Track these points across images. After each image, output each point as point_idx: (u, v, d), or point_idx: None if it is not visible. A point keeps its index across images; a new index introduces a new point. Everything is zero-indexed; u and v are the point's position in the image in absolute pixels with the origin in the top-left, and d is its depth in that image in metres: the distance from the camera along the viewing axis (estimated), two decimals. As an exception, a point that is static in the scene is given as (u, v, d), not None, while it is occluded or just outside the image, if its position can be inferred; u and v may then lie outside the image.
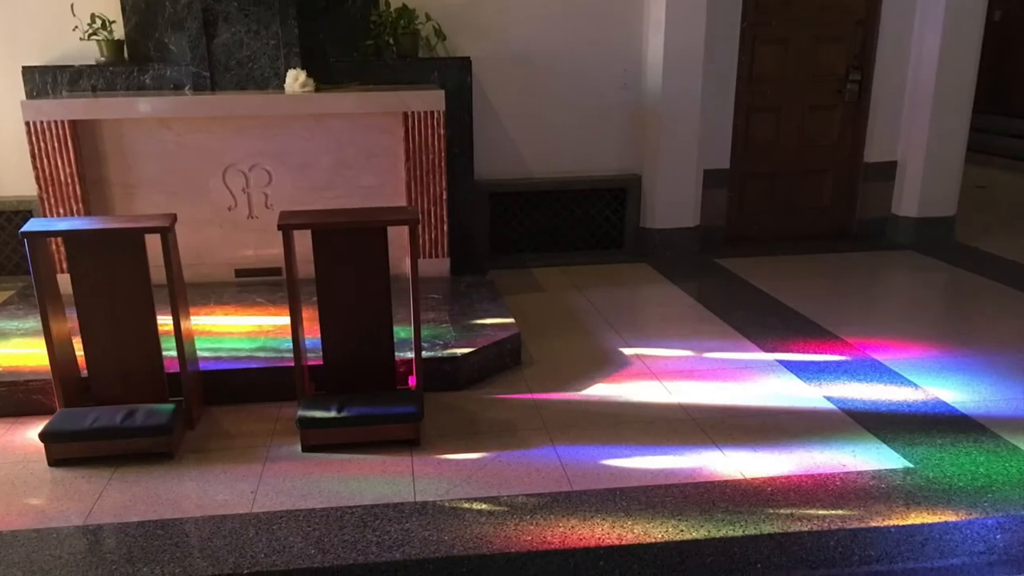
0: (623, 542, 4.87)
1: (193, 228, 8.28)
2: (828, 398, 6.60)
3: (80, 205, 8.20)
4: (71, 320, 6.16)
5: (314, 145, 8.52)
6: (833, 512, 5.11)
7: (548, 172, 10.40)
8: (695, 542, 4.90)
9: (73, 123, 8.08)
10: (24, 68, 8.81)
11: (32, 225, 5.93)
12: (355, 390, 6.30)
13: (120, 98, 8.30)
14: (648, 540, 4.89)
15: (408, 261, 6.19)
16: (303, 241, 6.09)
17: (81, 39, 8.91)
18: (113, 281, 6.01)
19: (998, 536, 5.09)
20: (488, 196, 10.24)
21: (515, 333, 7.33)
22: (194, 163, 8.45)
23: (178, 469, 5.73)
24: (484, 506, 5.21)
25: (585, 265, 10.28)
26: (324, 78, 8.98)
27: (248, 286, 8.53)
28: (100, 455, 5.79)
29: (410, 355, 6.46)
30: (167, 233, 5.95)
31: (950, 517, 5.08)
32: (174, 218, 6.11)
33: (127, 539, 4.94)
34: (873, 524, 5.02)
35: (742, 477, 5.52)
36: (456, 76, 9.28)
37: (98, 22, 8.86)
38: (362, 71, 9.22)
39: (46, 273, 5.99)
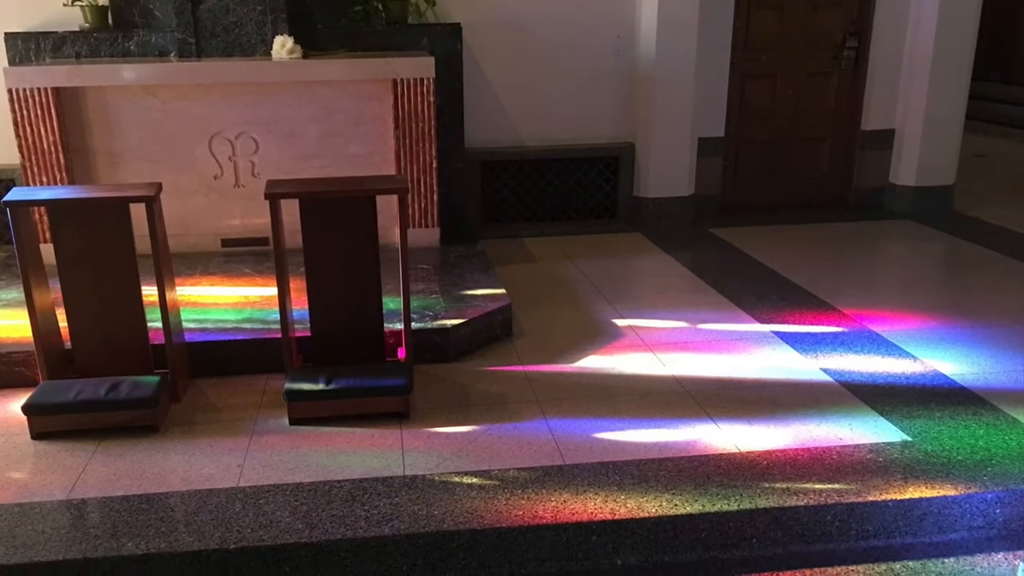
0: (616, 516, 4.86)
1: (179, 197, 8.24)
2: (825, 370, 6.59)
3: (64, 174, 8.16)
4: (54, 291, 6.13)
5: (302, 113, 8.47)
6: (830, 486, 5.10)
7: (540, 140, 10.36)
8: (689, 516, 4.89)
9: (56, 90, 8.02)
10: (6, 35, 8.72)
11: (14, 194, 5.89)
12: (343, 362, 6.27)
13: (104, 65, 8.25)
14: (641, 514, 4.87)
15: (397, 231, 6.15)
16: (291, 210, 6.06)
17: (65, 4, 8.81)
18: (97, 251, 5.97)
19: (997, 510, 5.08)
20: (479, 165, 10.20)
21: (506, 304, 7.30)
22: (180, 131, 8.41)
23: (163, 442, 5.70)
24: (475, 480, 5.19)
25: (577, 235, 10.25)
26: (311, 45, 8.91)
27: (235, 256, 8.50)
28: (84, 428, 5.76)
29: (399, 326, 6.43)
30: (152, 202, 5.91)
31: (949, 491, 5.07)
32: (159, 187, 6.07)
33: (111, 513, 4.91)
34: (871, 498, 5.01)
35: (737, 450, 5.50)
36: (446, 43, 9.21)
37: (82, -13, 8.80)
38: (350, 37, 9.15)
39: (29, 243, 5.96)
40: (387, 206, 6.61)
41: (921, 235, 10.23)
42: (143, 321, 6.13)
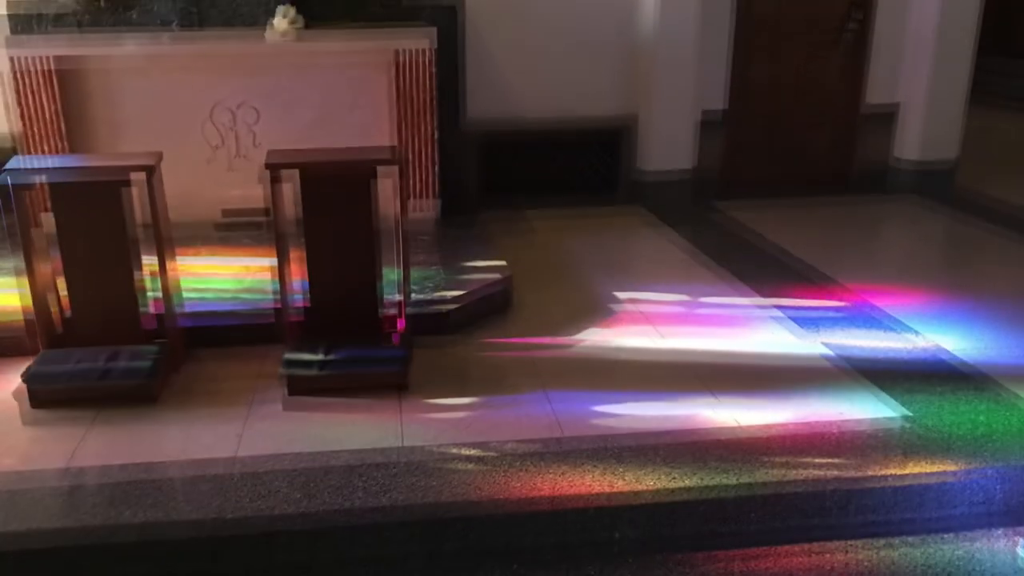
0: (614, 490, 4.86)
1: (179, 168, 8.11)
2: (826, 346, 6.57)
3: (64, 144, 8.12)
4: (54, 260, 6.11)
5: (302, 84, 8.44)
6: (830, 462, 5.10)
7: (541, 114, 10.30)
8: (688, 491, 4.89)
9: (57, 59, 7.98)
10: (8, 2, 8.68)
11: (14, 163, 5.90)
12: (342, 334, 6.25)
13: (106, 35, 8.23)
14: (640, 489, 4.87)
15: (397, 203, 6.13)
16: (291, 182, 6.03)
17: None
18: (97, 221, 5.95)
19: (997, 487, 5.07)
20: (479, 138, 10.15)
21: (506, 277, 7.29)
22: (180, 101, 8.36)
23: (162, 412, 5.70)
24: (473, 453, 5.19)
25: (578, 208, 10.20)
26: (314, 15, 8.86)
27: (234, 227, 8.45)
28: (83, 397, 5.74)
29: (398, 298, 6.42)
30: (152, 172, 5.92)
31: (949, 467, 5.06)
32: (160, 157, 6.07)
33: (109, 482, 4.91)
34: (870, 474, 5.01)
35: (737, 425, 5.49)
36: (447, 15, 9.17)
37: (83, -45, 8.76)
38: (352, 9, 9.10)
39: (28, 212, 5.93)
40: (387, 178, 6.58)
41: (924, 211, 10.20)
42: (143, 291, 6.12)
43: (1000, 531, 4.96)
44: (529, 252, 8.65)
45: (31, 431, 5.49)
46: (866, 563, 4.72)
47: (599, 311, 7.25)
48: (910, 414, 5.60)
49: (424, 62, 8.29)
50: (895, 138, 11.01)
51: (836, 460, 5.11)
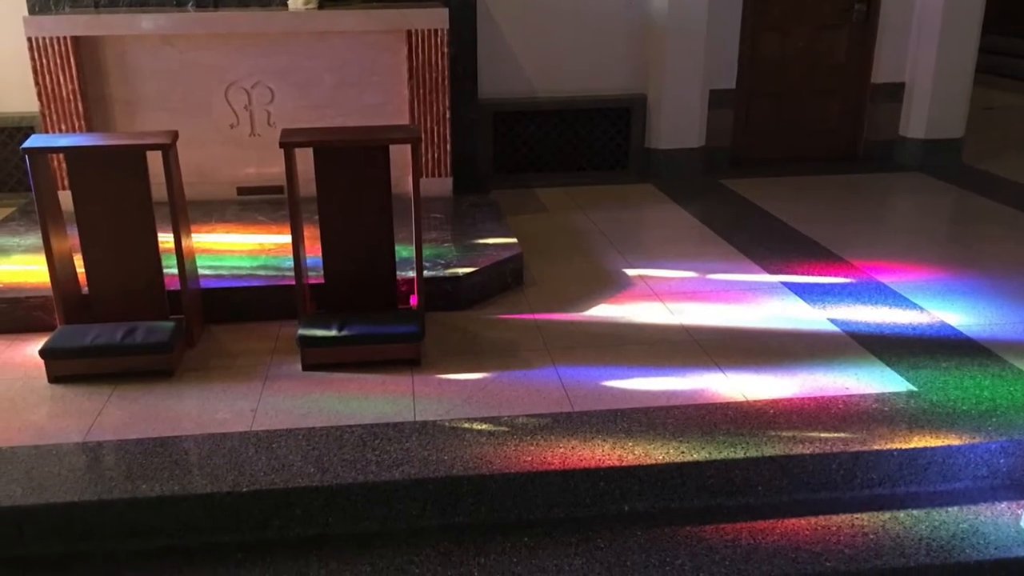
0: (624, 463, 4.85)
1: (195, 145, 8.19)
2: (832, 320, 6.55)
3: (82, 122, 8.13)
4: (72, 237, 6.12)
5: (317, 63, 8.42)
6: (836, 435, 5.08)
7: (552, 91, 10.29)
8: (696, 464, 4.88)
9: (75, 39, 7.97)
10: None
11: (33, 141, 5.88)
12: (356, 309, 6.25)
13: (122, 14, 8.20)
14: (649, 461, 4.86)
15: (410, 180, 6.12)
16: (305, 159, 6.03)
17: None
18: (114, 198, 5.96)
19: (1001, 460, 5.07)
20: (492, 115, 10.14)
21: (517, 253, 7.27)
22: (196, 80, 8.36)
23: (178, 387, 5.70)
24: (484, 426, 5.18)
25: (589, 185, 10.20)
26: (328, -6, 8.87)
27: (250, 204, 8.47)
28: (100, 372, 5.76)
29: (411, 274, 6.41)
30: (168, 150, 5.91)
31: (953, 441, 5.05)
32: (176, 135, 6.06)
33: (126, 456, 4.92)
34: (876, 447, 5.00)
35: (744, 399, 5.48)
36: (461, -6, 9.15)
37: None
38: (367, -13, 9.10)
39: (47, 190, 5.94)
40: (400, 156, 6.58)
41: (930, 187, 10.16)
42: (159, 267, 6.12)
43: (1004, 503, 4.95)
44: (540, 228, 8.65)
45: (49, 406, 5.49)
46: (871, 535, 4.71)
47: (609, 286, 7.24)
48: (915, 388, 5.58)
49: (437, 41, 8.26)
50: (902, 116, 10.98)
51: (842, 433, 5.10)
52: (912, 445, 5.01)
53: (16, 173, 9.31)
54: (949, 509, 4.91)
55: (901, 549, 4.62)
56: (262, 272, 6.80)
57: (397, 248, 6.30)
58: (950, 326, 6.45)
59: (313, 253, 6.33)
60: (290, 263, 6.23)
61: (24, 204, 8.48)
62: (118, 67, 8.23)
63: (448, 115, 8.54)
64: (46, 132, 8.11)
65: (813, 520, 4.82)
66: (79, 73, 8.03)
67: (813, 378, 5.74)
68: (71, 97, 8.05)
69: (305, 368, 5.91)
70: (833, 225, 8.72)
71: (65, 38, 7.92)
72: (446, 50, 8.33)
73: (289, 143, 5.92)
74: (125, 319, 6.05)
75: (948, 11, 10.43)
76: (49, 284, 6.01)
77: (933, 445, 5.02)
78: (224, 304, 6.56)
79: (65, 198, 6.04)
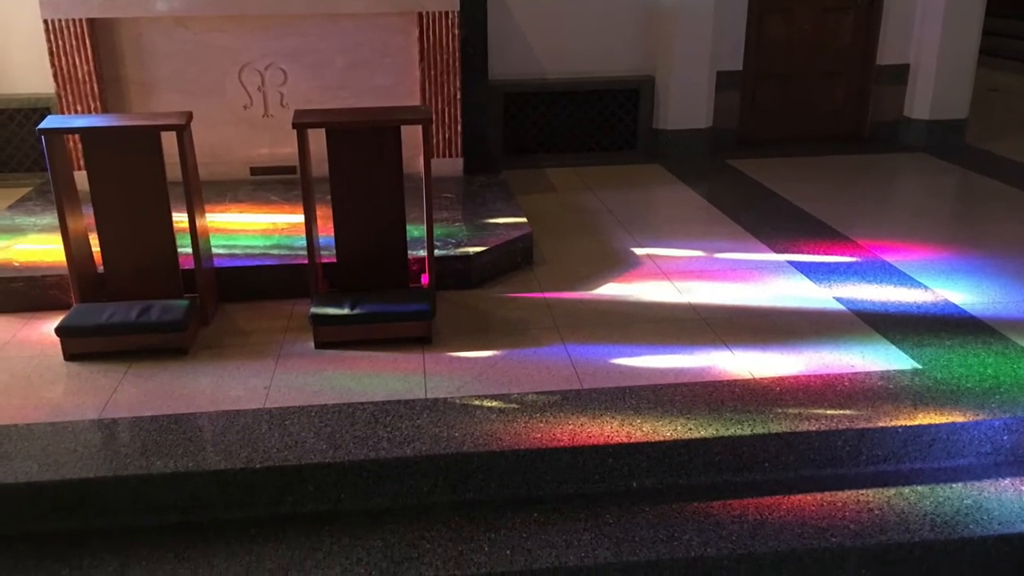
0: (632, 440, 4.84)
1: (209, 126, 8.17)
2: (838, 299, 6.53)
3: (97, 103, 8.12)
4: (87, 216, 6.10)
5: (329, 45, 8.39)
6: (841, 412, 5.06)
7: (562, 73, 10.28)
8: (703, 440, 4.87)
9: (91, 21, 7.95)
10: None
11: (49, 122, 5.87)
12: (368, 288, 6.24)
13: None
14: (657, 438, 4.85)
15: (421, 160, 6.10)
16: (317, 140, 6.02)
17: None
18: (129, 178, 5.95)
19: (1005, 437, 5.05)
20: (502, 96, 10.14)
21: (527, 232, 7.25)
22: (210, 62, 8.34)
23: (192, 365, 5.69)
24: (495, 403, 5.17)
25: (598, 165, 10.18)
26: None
27: (263, 184, 8.45)
28: (115, 350, 5.75)
29: (423, 253, 6.40)
30: (183, 131, 5.89)
31: (957, 418, 5.03)
32: (190, 116, 6.04)
33: (141, 433, 4.91)
34: (881, 424, 4.97)
35: (751, 376, 5.46)
36: (471, -24, 9.11)
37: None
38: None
39: (63, 170, 5.93)
40: (412, 136, 6.58)
41: (934, 168, 10.13)
42: (173, 247, 6.11)
43: (1007, 480, 4.93)
44: (550, 208, 8.63)
45: (64, 384, 5.48)
46: (876, 510, 4.69)
47: (617, 265, 7.22)
48: (919, 366, 5.56)
49: (448, 23, 8.24)
50: (907, 97, 10.94)
51: (847, 410, 5.08)
52: (916, 422, 4.99)
53: (32, 153, 9.30)
54: (953, 485, 4.89)
55: (906, 525, 4.61)
56: (275, 251, 6.79)
57: (408, 227, 6.28)
58: (954, 304, 6.42)
59: (325, 232, 6.31)
60: (303, 242, 6.22)
61: (40, 184, 8.48)
62: (133, 49, 8.21)
63: (459, 96, 8.51)
64: (62, 113, 8.09)
65: (819, 496, 4.80)
66: (94, 54, 8.01)
67: (819, 356, 5.72)
68: (87, 78, 8.04)
69: (317, 346, 5.89)
70: (839, 205, 8.69)
71: (81, 20, 7.90)
72: (457, 32, 8.30)
73: (302, 124, 5.91)
74: (140, 298, 6.04)
75: (952, -7, 10.41)
76: (65, 263, 6.00)
77: (937, 422, 5.00)
78: (238, 283, 6.54)
79: (81, 178, 6.02)
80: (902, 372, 5.49)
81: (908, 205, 9.27)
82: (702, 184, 9.49)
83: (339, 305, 5.93)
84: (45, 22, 7.88)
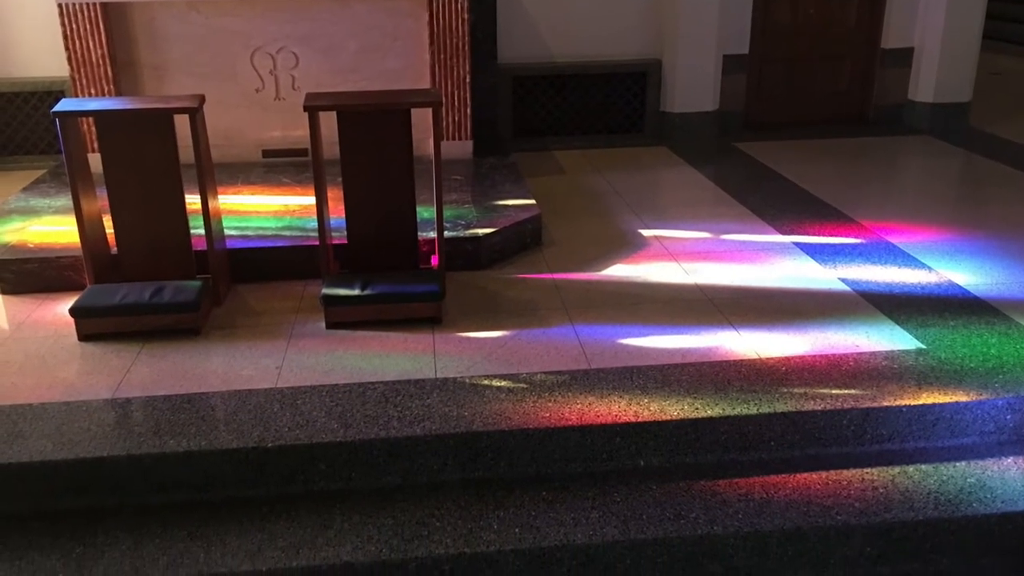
0: (639, 419, 4.82)
1: (221, 109, 8.16)
2: (843, 280, 6.50)
3: (111, 86, 8.11)
4: (101, 198, 6.10)
5: (339, 28, 8.37)
6: (846, 392, 5.05)
7: (570, 56, 10.25)
8: (710, 419, 4.85)
9: (104, 5, 7.93)
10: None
11: (64, 105, 5.87)
12: (378, 269, 6.22)
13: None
14: (664, 417, 4.83)
15: (431, 143, 6.08)
16: (329, 123, 6.01)
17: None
18: (143, 160, 5.95)
19: (1008, 416, 5.03)
20: (511, 79, 10.11)
21: (536, 214, 7.23)
22: (222, 45, 8.32)
23: (205, 345, 5.68)
24: (504, 383, 5.15)
25: (605, 148, 10.16)
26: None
27: (275, 166, 8.45)
28: (129, 330, 5.75)
29: (433, 235, 6.39)
30: (195, 114, 5.88)
31: (961, 397, 5.01)
32: (202, 99, 6.04)
33: (154, 412, 4.91)
34: (885, 404, 4.96)
35: (757, 357, 5.44)
36: (480, -40, 9.08)
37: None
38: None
39: (77, 152, 5.93)
40: (422, 119, 6.57)
41: (938, 150, 10.09)
42: (186, 228, 6.10)
43: (1010, 458, 4.92)
44: (558, 190, 8.61)
45: (78, 363, 5.48)
46: (881, 489, 4.68)
47: (625, 246, 7.20)
48: (923, 346, 5.54)
49: (458, 7, 8.21)
50: (911, 81, 10.90)
51: (852, 390, 5.06)
52: (921, 401, 4.98)
53: (47, 136, 9.30)
54: (957, 464, 4.88)
55: (910, 503, 4.60)
56: (287, 233, 6.78)
57: (419, 209, 6.27)
58: (958, 285, 6.40)
59: (336, 214, 6.30)
60: (314, 224, 6.22)
61: (54, 166, 8.47)
62: (146, 32, 8.19)
63: (468, 79, 8.49)
64: (76, 96, 8.08)
65: (824, 475, 4.79)
66: (108, 38, 8.00)
67: (824, 336, 5.70)
68: (100, 62, 8.02)
69: (329, 326, 5.88)
70: (844, 187, 8.66)
71: (95, 4, 7.88)
72: (466, 16, 8.28)
73: (313, 107, 5.90)
74: (153, 278, 6.04)
75: (956, -23, 10.36)
76: (79, 244, 6.00)
77: (941, 401, 4.99)
78: (250, 264, 6.53)
79: (94, 160, 6.01)
80: (906, 352, 5.47)
81: (912, 187, 9.25)
82: (709, 166, 9.46)
83: (350, 286, 5.92)
84: (59, 6, 7.87)
